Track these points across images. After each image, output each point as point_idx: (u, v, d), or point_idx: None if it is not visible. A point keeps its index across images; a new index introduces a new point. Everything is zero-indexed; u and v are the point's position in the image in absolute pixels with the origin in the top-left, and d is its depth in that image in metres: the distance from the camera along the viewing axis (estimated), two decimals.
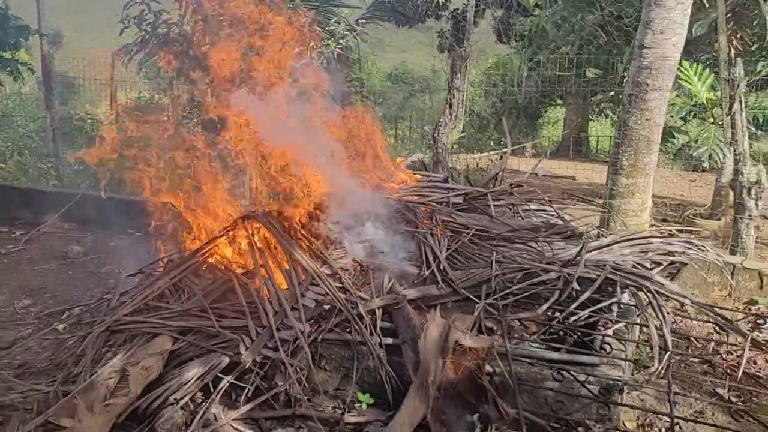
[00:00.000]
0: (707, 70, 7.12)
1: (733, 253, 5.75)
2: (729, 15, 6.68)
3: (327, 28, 7.57)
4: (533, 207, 5.05)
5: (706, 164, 7.07)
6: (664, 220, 9.51)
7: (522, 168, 13.29)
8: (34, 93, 13.97)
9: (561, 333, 3.47)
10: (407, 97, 26.06)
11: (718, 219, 8.78)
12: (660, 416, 3.42)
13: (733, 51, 7.46)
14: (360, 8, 12.08)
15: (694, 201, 12.17)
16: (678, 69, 6.65)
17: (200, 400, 3.45)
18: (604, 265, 3.55)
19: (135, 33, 7.73)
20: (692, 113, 7.54)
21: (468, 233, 4.19)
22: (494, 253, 3.79)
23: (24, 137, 10.83)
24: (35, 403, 3.48)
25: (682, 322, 4.63)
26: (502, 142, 18.52)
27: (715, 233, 7.90)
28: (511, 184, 5.07)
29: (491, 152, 14.80)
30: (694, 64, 7.17)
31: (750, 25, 6.89)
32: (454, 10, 17.48)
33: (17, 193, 7.72)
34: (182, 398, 3.31)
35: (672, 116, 7.69)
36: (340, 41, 7.57)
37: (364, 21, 9.52)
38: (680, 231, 4.76)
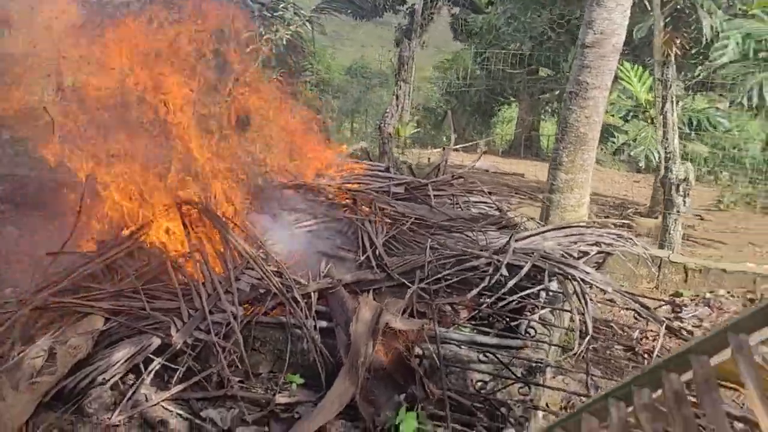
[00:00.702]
0: (647, 72, 7.38)
1: (661, 247, 5.98)
2: (668, 19, 6.93)
3: (275, 14, 7.53)
4: (473, 199, 5.16)
5: (642, 163, 7.33)
6: (606, 218, 9.79)
7: (474, 166, 13.51)
8: None
9: (491, 318, 3.58)
10: (364, 92, 26.09)
11: (656, 217, 9.10)
12: (581, 398, 3.56)
13: (673, 55, 7.72)
14: None
15: (636, 201, 12.58)
16: (619, 70, 6.86)
17: (132, 382, 3.44)
18: (533, 253, 3.67)
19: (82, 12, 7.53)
20: (632, 113, 7.79)
21: (406, 221, 4.26)
22: (429, 240, 3.88)
23: None
24: None
25: (611, 311, 4.81)
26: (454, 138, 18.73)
27: (651, 230, 8.18)
28: (453, 176, 5.17)
29: (443, 148, 14.96)
30: (635, 66, 7.41)
31: (688, 29, 7.17)
32: (412, 4, 17.58)
33: None
34: (111, 378, 3.29)
35: (613, 115, 7.94)
36: (290, 28, 7.54)
37: (315, 11, 9.49)
38: (614, 225, 4.93)
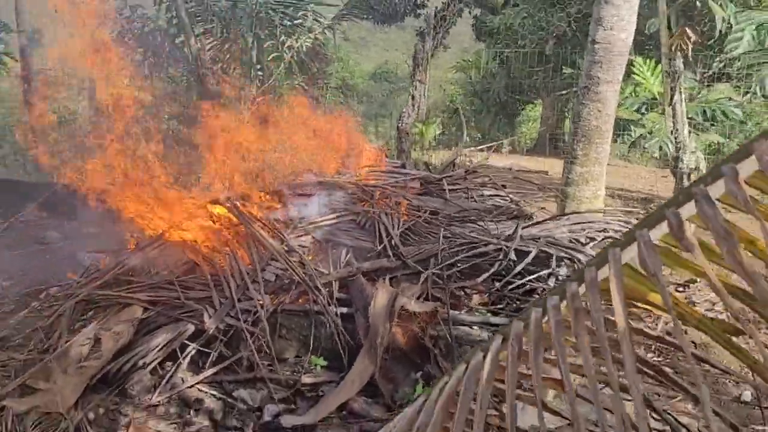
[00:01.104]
0: (659, 65, 7.49)
1: None
2: (679, 13, 7.04)
3: (295, 21, 7.83)
4: (488, 192, 5.37)
5: (656, 155, 7.43)
6: (629, 212, 9.86)
7: (499, 164, 13.68)
8: (13, 89, 14.01)
9: (502, 300, 3.79)
10: (388, 95, 26.39)
11: None
12: None
13: (689, 48, 7.82)
14: (337, 5, 12.27)
15: (662, 195, 12.57)
16: (632, 64, 6.99)
17: (169, 368, 3.73)
18: (539, 239, 3.87)
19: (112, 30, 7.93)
20: (646, 106, 7.90)
21: (421, 214, 4.49)
22: (442, 229, 4.10)
23: (3, 130, 10.99)
24: (13, 370, 3.74)
25: None
26: (478, 138, 18.89)
27: None
28: (466, 171, 5.38)
29: (470, 149, 15.13)
30: (648, 60, 7.53)
31: (701, 22, 7.27)
32: (435, 8, 17.79)
33: None
34: (151, 362, 3.58)
35: (627, 108, 8.06)
36: (309, 35, 7.83)
37: (336, 17, 9.76)
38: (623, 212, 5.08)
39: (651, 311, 1.17)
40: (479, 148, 13.98)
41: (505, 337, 1.14)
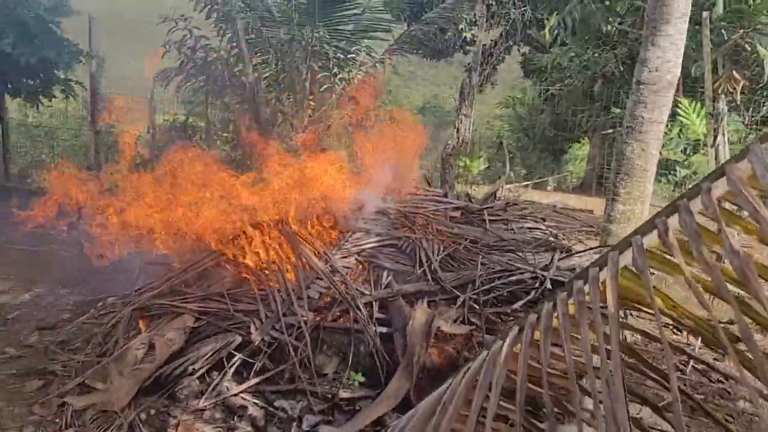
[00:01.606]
0: (705, 107, 7.54)
1: None
2: (726, 56, 7.10)
3: (349, 56, 8.16)
4: (528, 225, 5.49)
5: None
6: None
7: (543, 201, 13.72)
8: (77, 111, 14.78)
9: None
10: (435, 129, 26.71)
11: None
12: None
13: (738, 90, 7.84)
14: (388, 40, 12.61)
15: None
16: (678, 106, 7.06)
17: (216, 376, 3.94)
18: (575, 269, 3.98)
19: (173, 57, 8.39)
20: (691, 147, 7.93)
21: (462, 241, 4.65)
22: (480, 256, 4.25)
23: (68, 150, 11.61)
24: (73, 371, 4.02)
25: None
26: (523, 174, 18.93)
27: None
28: (507, 203, 5.52)
29: (515, 185, 15.18)
30: (694, 102, 7.59)
31: (748, 66, 7.29)
32: (484, 45, 18.11)
33: None
34: (200, 369, 3.80)
35: (672, 149, 8.10)
36: (361, 69, 8.15)
37: (387, 52, 10.07)
38: None
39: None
40: (524, 184, 14.05)
41: (521, 327, 1.30)
